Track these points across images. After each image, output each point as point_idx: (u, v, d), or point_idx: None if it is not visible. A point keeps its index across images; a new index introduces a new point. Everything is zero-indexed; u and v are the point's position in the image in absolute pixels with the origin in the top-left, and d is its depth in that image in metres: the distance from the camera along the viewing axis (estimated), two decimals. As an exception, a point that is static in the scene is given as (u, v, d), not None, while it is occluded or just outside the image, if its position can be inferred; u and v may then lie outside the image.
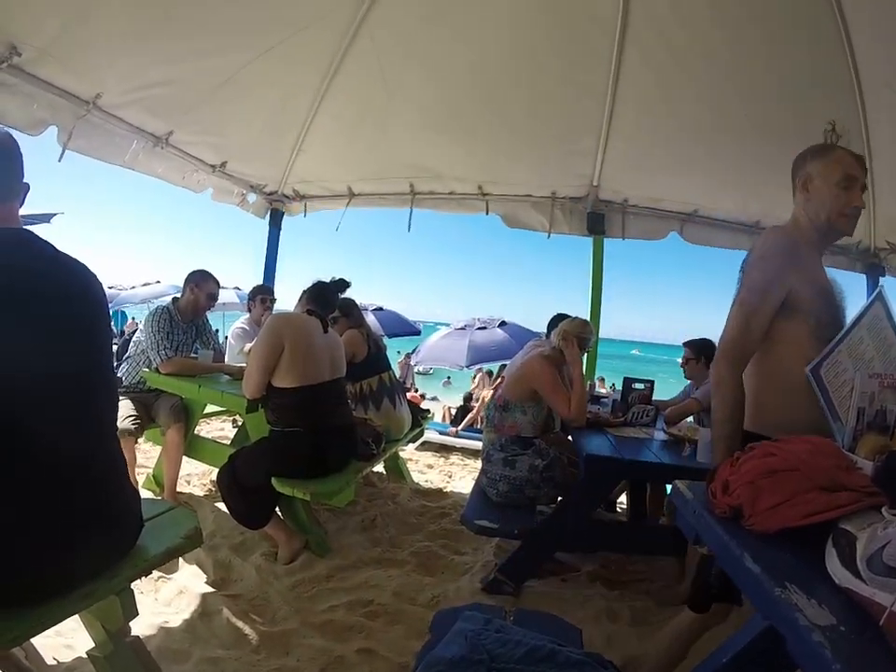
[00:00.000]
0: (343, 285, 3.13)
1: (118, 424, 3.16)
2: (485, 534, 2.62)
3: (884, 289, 1.60)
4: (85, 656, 1.58)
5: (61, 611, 1.27)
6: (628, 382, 3.21)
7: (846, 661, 0.71)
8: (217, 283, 3.62)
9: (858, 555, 0.86)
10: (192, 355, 3.47)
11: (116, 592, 1.41)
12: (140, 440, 3.33)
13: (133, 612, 1.50)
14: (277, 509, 2.83)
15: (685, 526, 1.27)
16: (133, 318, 15.38)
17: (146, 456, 3.92)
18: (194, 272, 3.57)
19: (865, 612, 0.82)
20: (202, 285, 3.54)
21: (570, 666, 1.04)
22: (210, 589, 2.42)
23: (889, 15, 2.94)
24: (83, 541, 1.29)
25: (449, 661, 1.01)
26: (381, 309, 9.54)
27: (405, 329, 9.77)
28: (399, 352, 13.48)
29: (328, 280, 3.10)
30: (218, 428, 5.69)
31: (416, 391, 10.71)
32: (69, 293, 1.34)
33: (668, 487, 1.65)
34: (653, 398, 3.30)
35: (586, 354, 3.22)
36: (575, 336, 2.94)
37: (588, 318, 4.43)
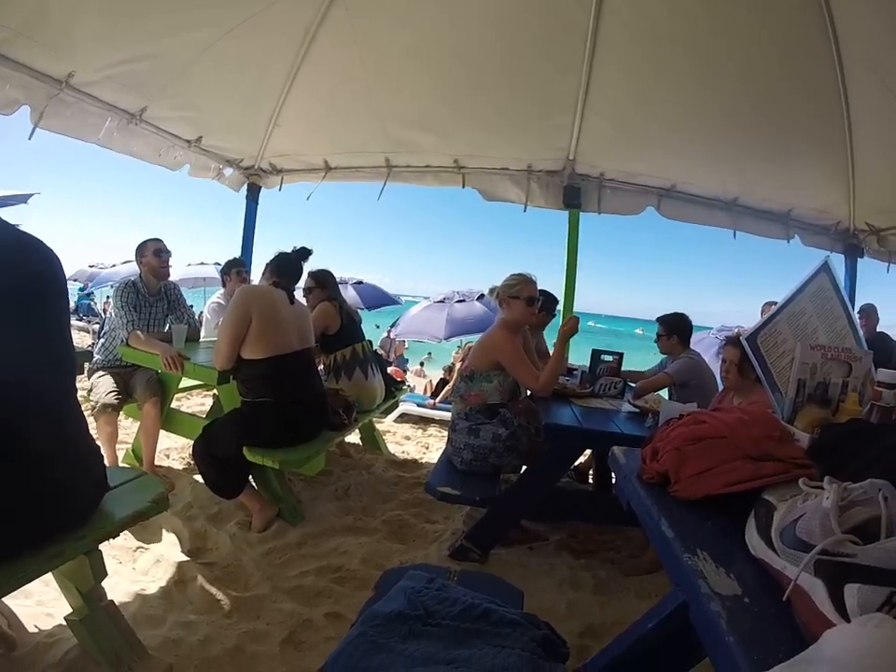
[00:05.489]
0: (304, 253, 3.13)
1: (100, 399, 3.19)
2: (447, 500, 2.67)
3: (830, 261, 1.60)
4: (64, 623, 1.68)
5: (32, 569, 1.33)
6: (596, 353, 3.21)
7: (741, 633, 0.68)
8: (155, 240, 3.49)
9: (773, 526, 0.83)
10: (165, 330, 3.46)
11: (84, 552, 1.49)
12: (119, 414, 3.35)
13: (102, 573, 1.59)
14: (251, 479, 2.89)
15: (620, 492, 1.28)
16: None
17: (126, 432, 3.94)
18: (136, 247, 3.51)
19: (777, 585, 0.78)
20: (143, 251, 3.46)
21: (504, 625, 1.09)
22: (186, 558, 2.48)
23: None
24: (47, 502, 1.34)
25: (386, 615, 1.06)
26: (361, 283, 9.57)
27: (384, 301, 9.80)
28: (377, 326, 13.53)
29: (289, 251, 3.11)
30: (199, 404, 5.71)
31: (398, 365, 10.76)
32: (38, 276, 1.38)
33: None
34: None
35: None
36: (508, 297, 2.90)
37: (563, 291, 4.48)
